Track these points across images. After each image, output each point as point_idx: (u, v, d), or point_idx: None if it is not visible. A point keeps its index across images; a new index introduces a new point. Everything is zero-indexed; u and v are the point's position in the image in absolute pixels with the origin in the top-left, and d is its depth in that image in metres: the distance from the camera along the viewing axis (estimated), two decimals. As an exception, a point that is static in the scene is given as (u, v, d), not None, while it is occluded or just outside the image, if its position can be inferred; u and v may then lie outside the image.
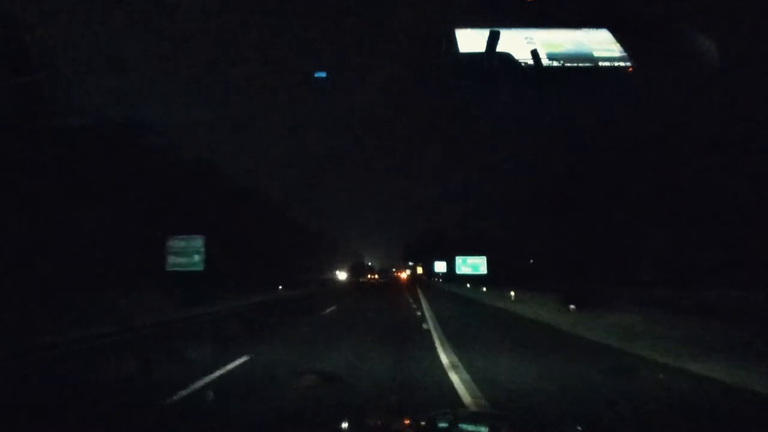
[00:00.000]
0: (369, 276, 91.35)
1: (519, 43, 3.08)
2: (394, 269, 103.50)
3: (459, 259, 47.41)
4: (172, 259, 20.32)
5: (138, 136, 20.63)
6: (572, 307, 13.54)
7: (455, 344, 9.12)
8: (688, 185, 21.47)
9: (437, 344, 9.35)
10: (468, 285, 39.46)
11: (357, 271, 76.44)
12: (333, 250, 79.58)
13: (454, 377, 6.23)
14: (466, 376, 6.23)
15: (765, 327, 9.56)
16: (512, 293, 22.74)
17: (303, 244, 51.78)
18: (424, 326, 12.45)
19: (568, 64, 3.06)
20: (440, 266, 61.39)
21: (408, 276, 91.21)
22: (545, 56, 3.02)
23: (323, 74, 5.09)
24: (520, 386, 5.70)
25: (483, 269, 44.69)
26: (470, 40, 3.10)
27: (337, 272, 70.82)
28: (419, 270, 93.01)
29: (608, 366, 7.14)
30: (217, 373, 6.46)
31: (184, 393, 5.37)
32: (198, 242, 20.56)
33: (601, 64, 3.05)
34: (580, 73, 3.09)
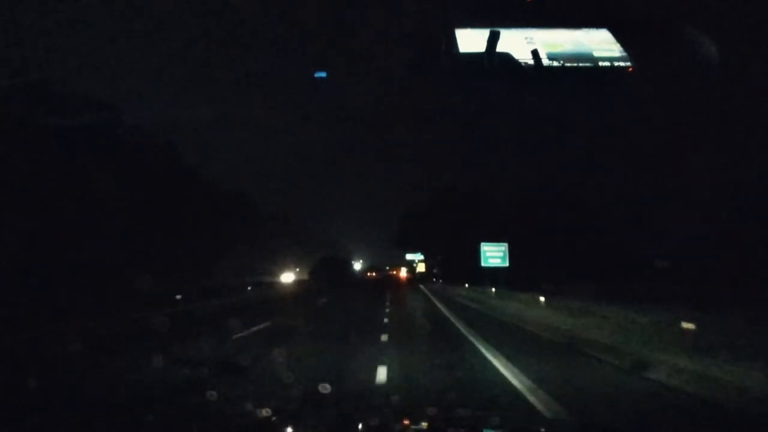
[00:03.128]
0: (369, 273, 75.79)
1: (519, 43, 3.08)
2: (387, 267, 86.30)
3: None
4: None
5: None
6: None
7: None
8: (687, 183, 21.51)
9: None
10: None
11: (326, 269, 45.76)
12: (303, 243, 53.52)
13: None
14: None
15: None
16: None
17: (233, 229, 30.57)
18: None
19: (568, 64, 3.06)
20: (493, 253, 24.68)
21: (407, 275, 68.83)
22: (545, 56, 3.03)
23: (323, 74, 5.09)
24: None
25: None
26: (470, 40, 3.10)
27: (284, 273, 43.58)
28: (421, 267, 63.87)
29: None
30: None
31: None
32: None
33: (601, 64, 3.06)
34: (580, 73, 3.10)
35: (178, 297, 18.01)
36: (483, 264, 24.06)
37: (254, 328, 9.80)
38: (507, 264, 23.80)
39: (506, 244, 24.44)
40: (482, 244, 24.62)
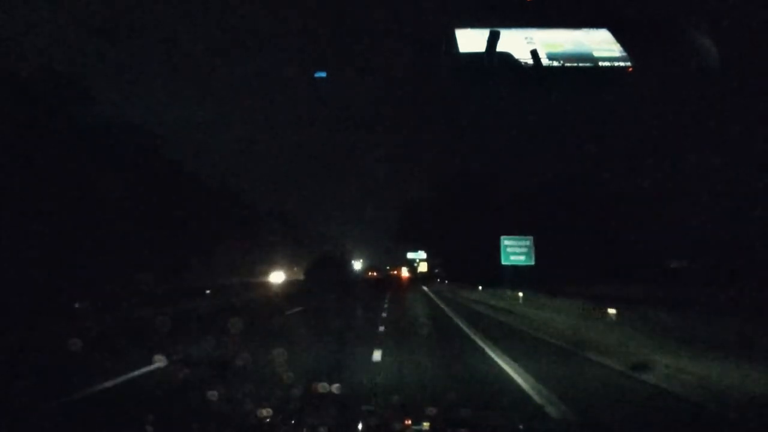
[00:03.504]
0: (370, 273, 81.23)
1: (519, 43, 3.08)
2: (388, 267, 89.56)
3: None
4: None
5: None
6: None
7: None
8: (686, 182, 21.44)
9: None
10: None
11: (322, 268, 46.29)
12: (304, 242, 52.22)
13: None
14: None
15: None
16: None
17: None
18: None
19: (568, 64, 3.06)
20: (516, 249, 20.27)
21: (409, 275, 65.56)
22: (545, 56, 3.02)
23: (323, 74, 5.09)
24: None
25: None
26: (470, 40, 3.10)
27: (273, 272, 42.68)
28: (423, 267, 61.05)
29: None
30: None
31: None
32: None
33: (601, 64, 3.06)
34: (580, 73, 3.10)
35: (77, 305, 12.28)
36: (503, 262, 19.96)
37: (123, 377, 4.87)
38: (533, 262, 19.87)
39: (531, 238, 20.17)
40: (503, 238, 20.29)
